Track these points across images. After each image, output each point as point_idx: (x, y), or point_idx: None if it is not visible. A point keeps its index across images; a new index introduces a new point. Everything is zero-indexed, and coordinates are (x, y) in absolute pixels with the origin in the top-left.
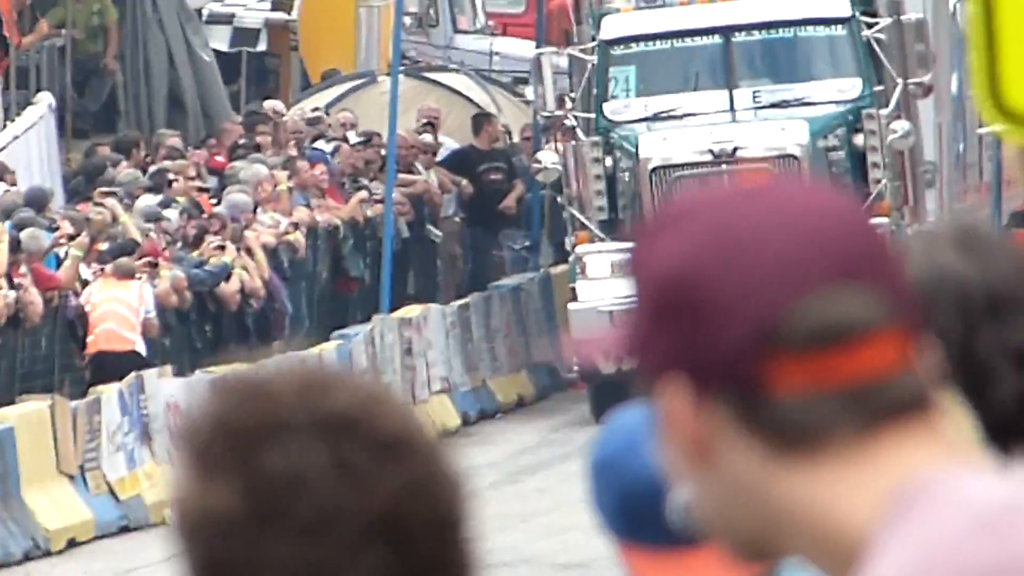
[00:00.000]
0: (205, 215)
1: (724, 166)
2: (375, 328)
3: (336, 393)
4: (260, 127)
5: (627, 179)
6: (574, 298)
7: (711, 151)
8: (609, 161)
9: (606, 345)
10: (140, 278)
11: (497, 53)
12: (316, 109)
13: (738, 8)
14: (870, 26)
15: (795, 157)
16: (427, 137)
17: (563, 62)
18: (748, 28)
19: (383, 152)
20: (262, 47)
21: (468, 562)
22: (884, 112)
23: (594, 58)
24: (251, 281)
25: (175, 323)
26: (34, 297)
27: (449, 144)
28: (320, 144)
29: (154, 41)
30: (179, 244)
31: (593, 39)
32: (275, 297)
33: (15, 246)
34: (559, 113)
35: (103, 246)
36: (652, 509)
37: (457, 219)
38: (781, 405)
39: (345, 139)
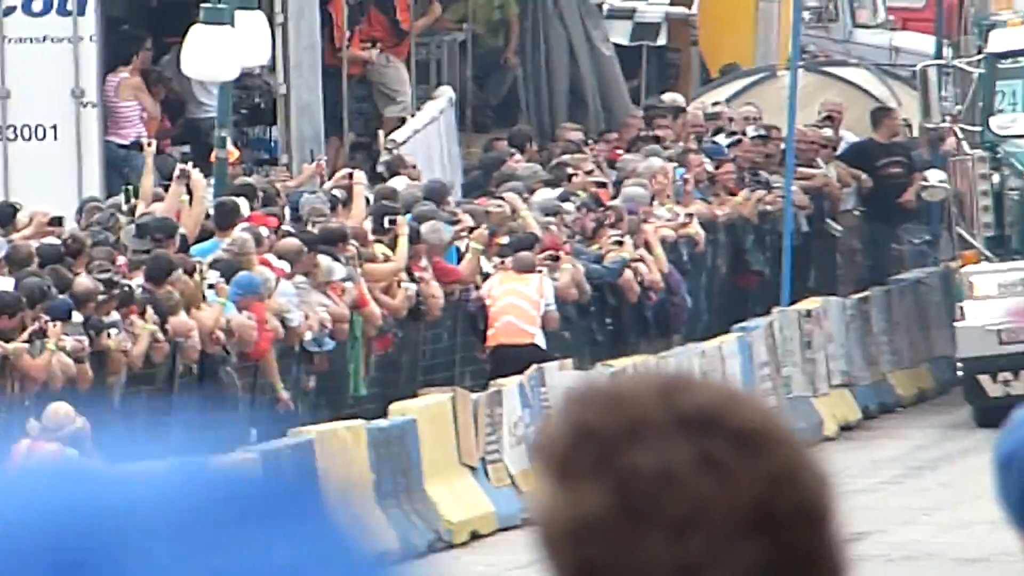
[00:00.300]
0: (603, 208)
1: None
2: (775, 321)
3: (694, 391)
4: (659, 120)
5: (1016, 197)
6: (961, 317)
7: None
8: (996, 177)
9: None
10: (540, 272)
11: (897, 48)
12: (716, 103)
13: None
14: None
15: None
16: (827, 131)
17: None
18: None
19: (782, 146)
20: (662, 41)
21: (839, 553)
22: None
23: (980, 70)
24: (650, 274)
25: (575, 316)
26: (435, 290)
27: (849, 138)
28: (719, 138)
29: (555, 35)
30: (577, 237)
31: (979, 50)
32: (674, 290)
33: (415, 239)
34: (944, 125)
35: (503, 240)
36: None
37: (856, 213)
38: None
39: (744, 133)
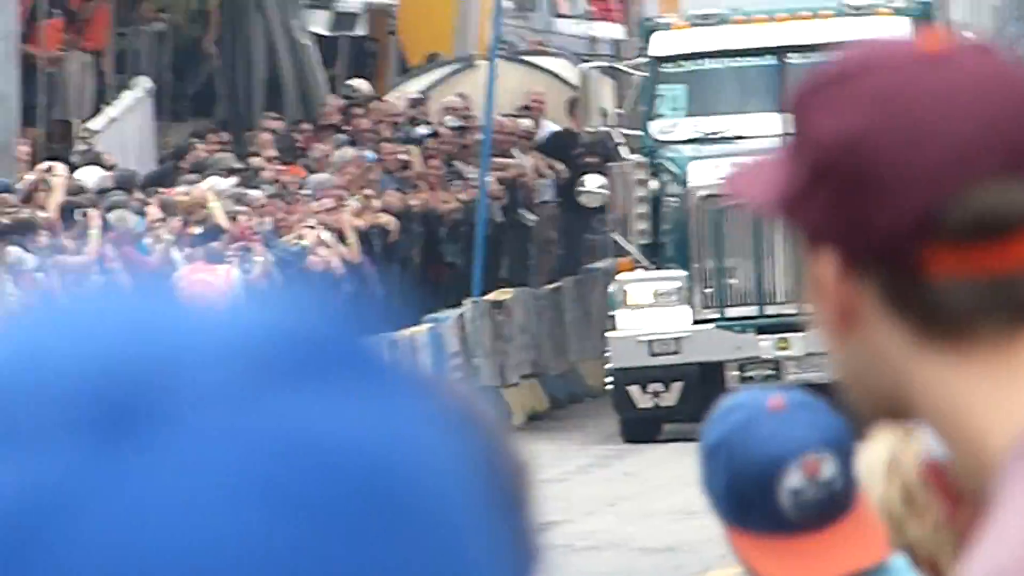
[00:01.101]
0: (291, 197)
1: None
2: (465, 312)
3: None
4: (355, 109)
5: (674, 204)
6: (613, 327)
7: None
8: (655, 183)
9: (762, 189)
10: (230, 263)
11: (595, 38)
12: (423, 93)
13: (795, 28)
14: None
15: None
16: (526, 121)
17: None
18: (804, 50)
19: (480, 136)
20: (361, 31)
21: (532, 541)
22: None
23: (644, 75)
24: (338, 263)
25: None
26: (126, 281)
27: (550, 128)
28: (420, 129)
29: (253, 25)
30: (269, 227)
31: (641, 52)
32: (366, 280)
33: (104, 229)
34: (604, 129)
35: (195, 230)
36: (761, 494)
37: (553, 204)
38: (933, 289)
39: (442, 124)
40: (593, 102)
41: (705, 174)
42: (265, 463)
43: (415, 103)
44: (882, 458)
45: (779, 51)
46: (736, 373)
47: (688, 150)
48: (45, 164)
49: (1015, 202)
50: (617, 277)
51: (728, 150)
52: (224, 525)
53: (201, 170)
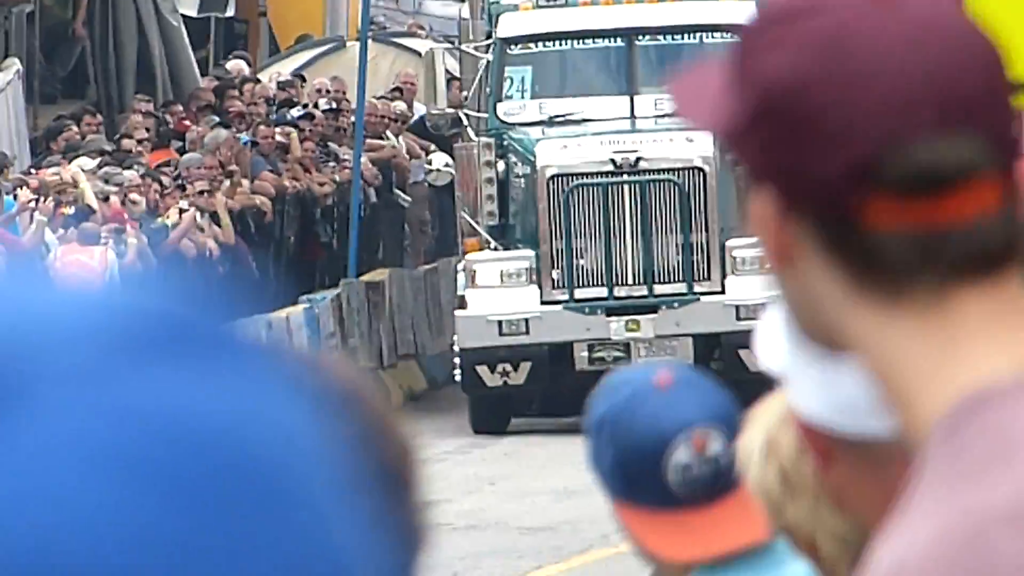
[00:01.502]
0: (164, 178)
1: (626, 176)
2: (342, 292)
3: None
4: (229, 91)
5: (522, 185)
6: (462, 306)
7: (612, 160)
8: (502, 165)
9: (706, 109)
10: (105, 244)
11: (465, 19)
12: (296, 74)
13: (643, 10)
14: None
15: (701, 170)
16: (399, 104)
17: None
18: (653, 32)
19: (353, 118)
20: (231, 12)
21: (418, 519)
22: None
23: (489, 56)
24: (213, 245)
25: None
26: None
27: (421, 110)
28: (294, 111)
29: (123, 7)
30: (144, 208)
31: (489, 35)
32: (242, 262)
33: None
34: (450, 111)
35: (68, 211)
36: (649, 470)
37: (425, 185)
38: (868, 239)
39: (316, 105)
40: (439, 83)
41: (553, 154)
42: (123, 437)
43: (285, 85)
44: (759, 440)
45: (627, 33)
46: (585, 354)
47: (535, 132)
48: None
49: (950, 156)
50: (466, 257)
51: (575, 131)
52: (81, 497)
53: (74, 151)
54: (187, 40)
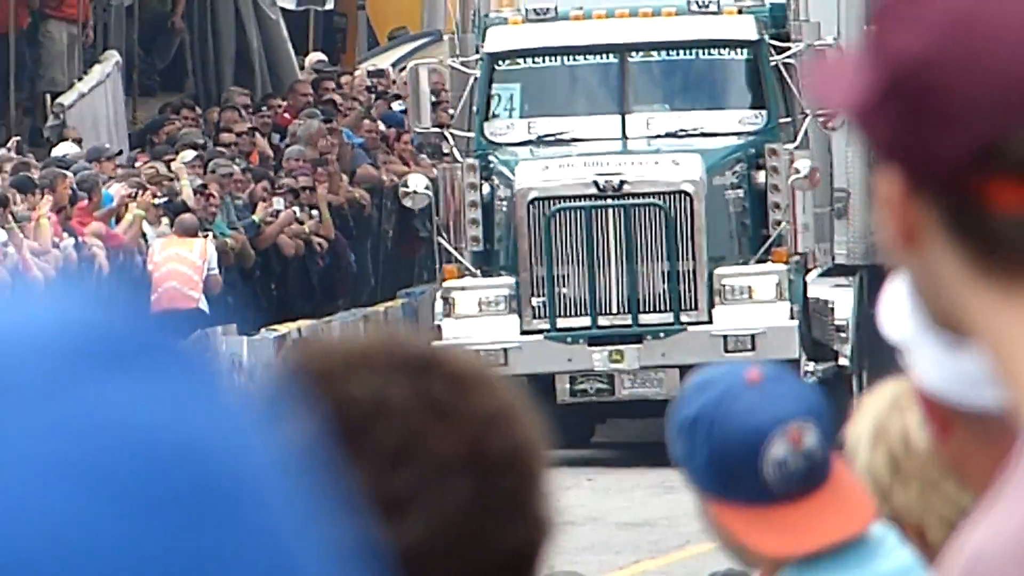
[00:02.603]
0: (263, 172)
1: (610, 200)
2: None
3: (411, 339)
4: (326, 84)
5: (505, 209)
6: (439, 337)
7: (595, 183)
8: (487, 188)
9: (841, 88)
10: (204, 236)
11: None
12: (394, 67)
13: (636, 25)
14: (780, 51)
15: (688, 194)
16: None
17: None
18: (645, 48)
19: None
20: (330, 6)
21: (544, 499)
22: (790, 146)
23: (477, 72)
24: (317, 238)
25: (239, 281)
26: (100, 256)
27: None
28: (395, 105)
29: (225, 5)
30: (241, 202)
31: (477, 51)
32: (341, 255)
33: (74, 201)
34: (435, 130)
35: (158, 201)
36: (746, 465)
37: None
38: (992, 222)
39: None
40: (423, 100)
41: (534, 176)
42: (84, 451)
43: (375, 74)
44: (868, 426)
45: (620, 49)
46: (567, 386)
47: (523, 152)
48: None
49: None
50: (444, 285)
51: (562, 152)
52: (44, 509)
53: (172, 144)
54: (286, 33)
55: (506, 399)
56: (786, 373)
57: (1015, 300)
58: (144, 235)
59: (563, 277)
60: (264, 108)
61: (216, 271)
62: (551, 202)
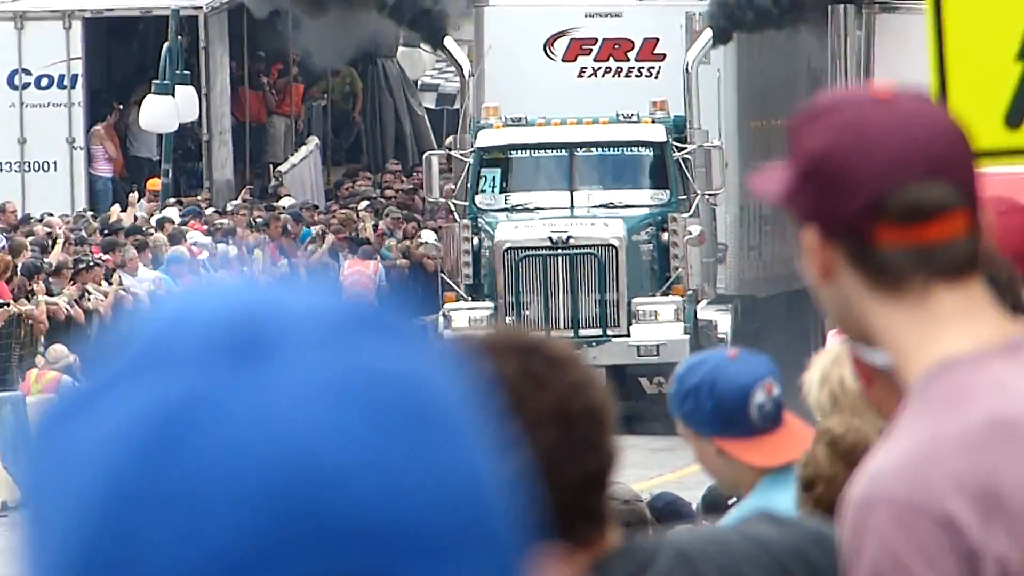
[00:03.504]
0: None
1: (560, 250)
2: None
3: (521, 332)
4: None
5: (487, 255)
6: None
7: (550, 238)
8: (476, 240)
9: (771, 185)
10: (375, 259)
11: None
12: None
13: (580, 130)
14: (680, 149)
15: (614, 246)
16: None
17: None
18: (587, 146)
19: None
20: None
21: (613, 444)
22: (686, 215)
23: (471, 160)
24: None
25: (399, 287)
26: (302, 270)
27: None
28: None
29: (385, 102)
30: (398, 237)
31: (472, 146)
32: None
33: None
34: (442, 200)
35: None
36: (739, 410)
37: None
38: (879, 255)
39: None
40: (434, 179)
41: (508, 232)
42: (346, 383)
43: None
44: (818, 375)
45: (569, 147)
46: None
47: (500, 216)
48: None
49: (932, 197)
50: (444, 306)
51: (528, 217)
52: (316, 423)
53: (354, 197)
54: (428, 124)
55: (584, 372)
56: (751, 351)
57: (899, 308)
58: (337, 257)
59: (526, 303)
60: (413, 174)
61: (384, 283)
62: (519, 251)
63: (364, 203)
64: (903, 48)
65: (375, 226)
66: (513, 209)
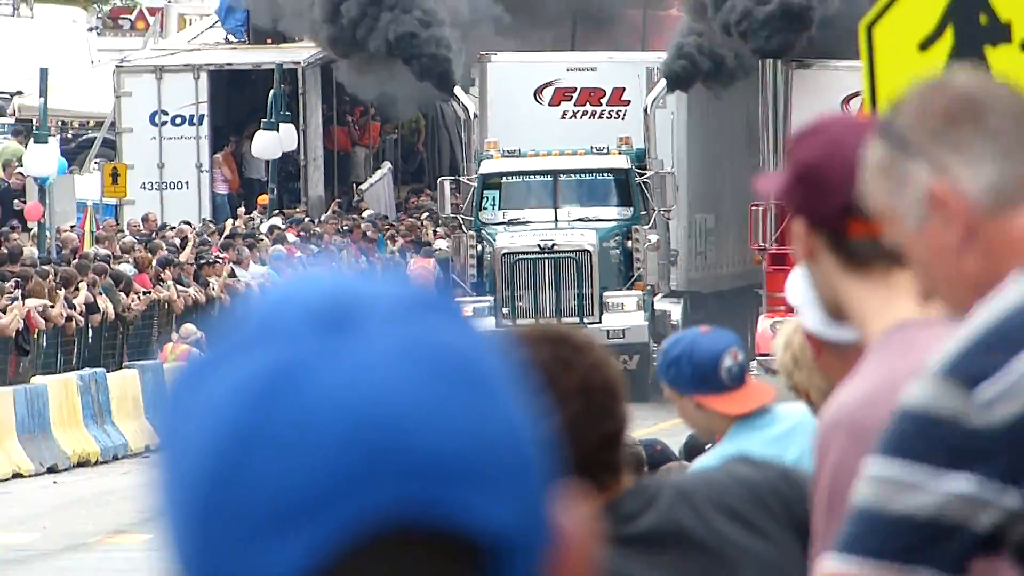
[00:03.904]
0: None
1: (547, 255)
2: None
3: (556, 325)
4: None
5: (488, 259)
6: None
7: (539, 246)
8: (480, 248)
9: (774, 186)
10: (433, 257)
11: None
12: None
13: (562, 160)
14: (641, 174)
15: (589, 251)
16: None
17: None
18: (567, 173)
19: None
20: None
21: (625, 413)
22: (646, 227)
23: (475, 183)
24: None
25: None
26: (379, 265)
27: None
28: None
29: (443, 136)
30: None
31: (476, 171)
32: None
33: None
34: (452, 216)
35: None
36: (712, 372)
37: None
38: (850, 243)
39: None
40: (447, 200)
41: (506, 241)
42: (419, 351)
43: None
44: (782, 340)
45: (554, 173)
46: None
47: (500, 228)
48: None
49: None
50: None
51: (521, 229)
52: (395, 385)
53: (419, 209)
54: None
55: (601, 355)
56: (719, 327)
57: (865, 284)
58: (404, 256)
59: (520, 296)
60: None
61: (440, 276)
62: (515, 255)
63: (425, 214)
64: (818, 98)
65: (434, 232)
66: (509, 223)
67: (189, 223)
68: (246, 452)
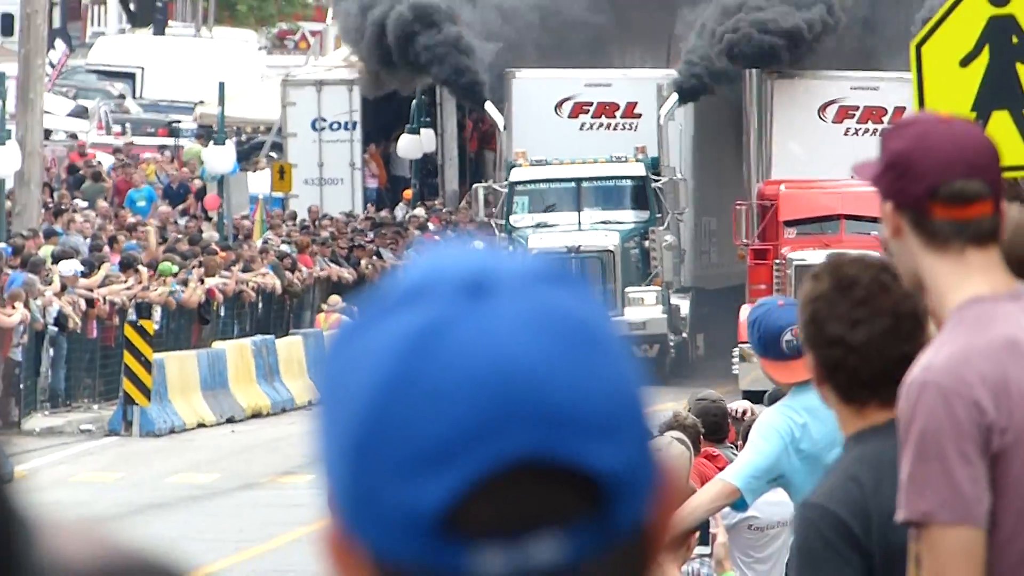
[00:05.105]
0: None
1: (573, 255)
2: None
3: (884, 258)
4: None
5: None
6: None
7: (566, 246)
8: (511, 249)
9: (872, 172)
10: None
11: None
12: None
13: (584, 168)
14: (656, 181)
15: (611, 251)
16: None
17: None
18: (590, 180)
19: None
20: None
21: (925, 336)
22: (661, 229)
23: (506, 190)
24: None
25: None
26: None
27: None
28: None
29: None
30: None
31: (506, 179)
32: None
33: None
34: (486, 219)
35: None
36: (776, 342)
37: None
38: (932, 224)
39: None
40: (480, 206)
41: (536, 242)
42: (545, 318)
43: None
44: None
45: (578, 180)
46: None
47: (529, 231)
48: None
49: (971, 189)
50: None
51: (550, 231)
52: (527, 345)
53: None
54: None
55: (909, 290)
56: (792, 302)
57: (943, 261)
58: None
59: None
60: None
61: None
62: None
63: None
64: (800, 109)
65: None
66: (538, 226)
67: (346, 213)
68: (397, 399)
